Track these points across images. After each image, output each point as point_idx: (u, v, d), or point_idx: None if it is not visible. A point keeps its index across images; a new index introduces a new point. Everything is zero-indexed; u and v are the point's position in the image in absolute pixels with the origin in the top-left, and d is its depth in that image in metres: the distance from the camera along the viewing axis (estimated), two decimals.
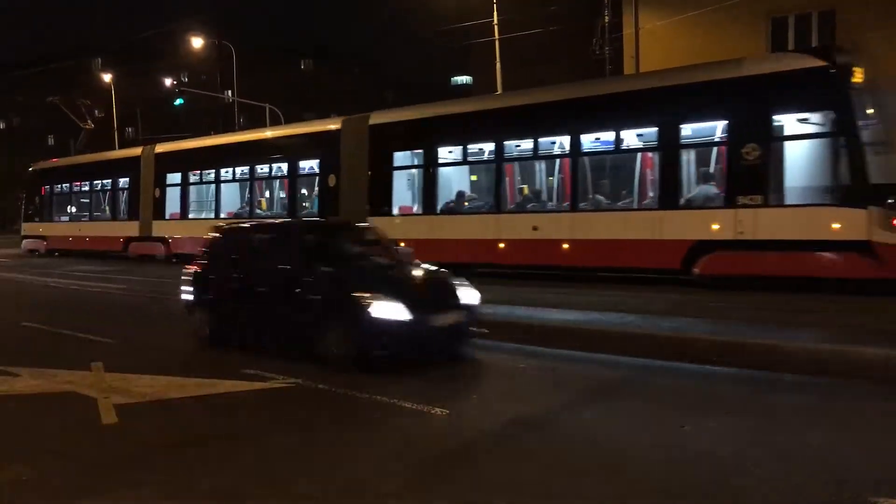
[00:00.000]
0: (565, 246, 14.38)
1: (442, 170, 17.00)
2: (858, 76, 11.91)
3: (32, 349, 9.51)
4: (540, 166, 16.30)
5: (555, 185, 15.75)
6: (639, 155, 14.21)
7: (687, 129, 13.48)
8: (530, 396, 6.83)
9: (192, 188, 23.80)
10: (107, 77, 45.52)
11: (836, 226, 11.42)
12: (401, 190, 17.74)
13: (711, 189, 13.21)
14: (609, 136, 14.37)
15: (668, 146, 13.49)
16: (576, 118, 14.73)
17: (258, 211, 21.77)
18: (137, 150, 27.01)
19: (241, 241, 10.00)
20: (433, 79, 71.27)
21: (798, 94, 12.10)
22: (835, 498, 4.26)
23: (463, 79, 62.84)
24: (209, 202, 23.27)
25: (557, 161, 15.45)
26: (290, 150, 20.60)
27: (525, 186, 16.32)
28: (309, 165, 20.32)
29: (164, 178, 24.31)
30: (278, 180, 21.55)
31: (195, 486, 4.65)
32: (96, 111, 43.35)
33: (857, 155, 11.46)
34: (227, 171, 22.54)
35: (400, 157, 17.72)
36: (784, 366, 7.35)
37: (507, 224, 15.47)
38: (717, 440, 5.32)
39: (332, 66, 74.05)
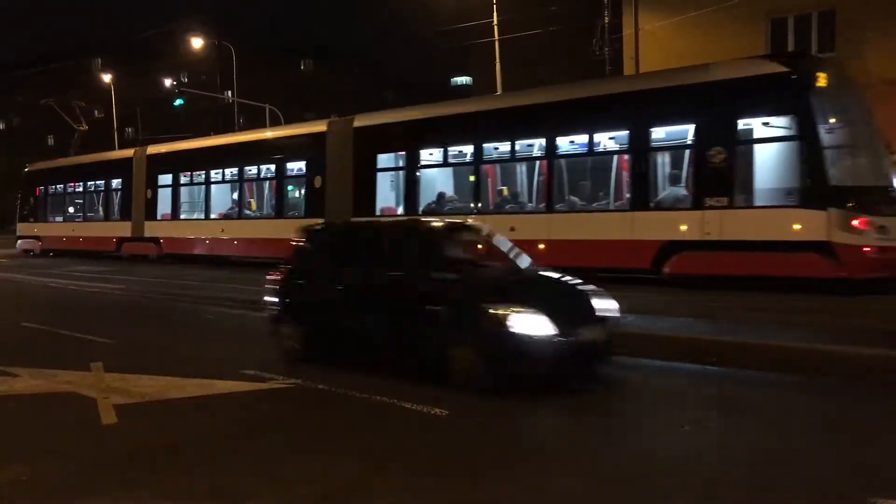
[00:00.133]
0: (541, 246, 14.60)
1: (423, 171, 17.29)
2: (822, 81, 12.10)
3: (32, 349, 9.56)
4: (518, 168, 16.52)
5: (532, 187, 16.01)
6: (612, 157, 14.50)
7: (657, 133, 13.74)
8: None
9: (183, 189, 24.11)
10: (107, 77, 45.88)
11: (797, 227, 11.67)
12: (384, 191, 18.01)
13: (680, 191, 13.46)
14: (583, 139, 14.63)
15: (640, 149, 13.76)
16: (552, 122, 14.99)
17: (247, 212, 22.09)
18: (129, 152, 27.42)
19: (340, 245, 9.00)
20: (433, 79, 71.79)
21: (761, 99, 12.35)
22: (835, 498, 4.33)
23: (463, 79, 63.11)
24: (200, 203, 23.55)
25: (535, 163, 15.70)
26: (279, 151, 20.92)
27: (504, 188, 16.59)
28: (296, 167, 20.62)
29: (156, 179, 24.62)
30: (267, 182, 21.84)
31: (195, 486, 4.68)
32: (96, 111, 43.70)
33: (818, 158, 11.68)
34: (217, 173, 22.83)
35: (383, 159, 18.04)
36: (784, 366, 7.52)
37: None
38: (711, 440, 5.44)
39: (332, 66, 74.30)
